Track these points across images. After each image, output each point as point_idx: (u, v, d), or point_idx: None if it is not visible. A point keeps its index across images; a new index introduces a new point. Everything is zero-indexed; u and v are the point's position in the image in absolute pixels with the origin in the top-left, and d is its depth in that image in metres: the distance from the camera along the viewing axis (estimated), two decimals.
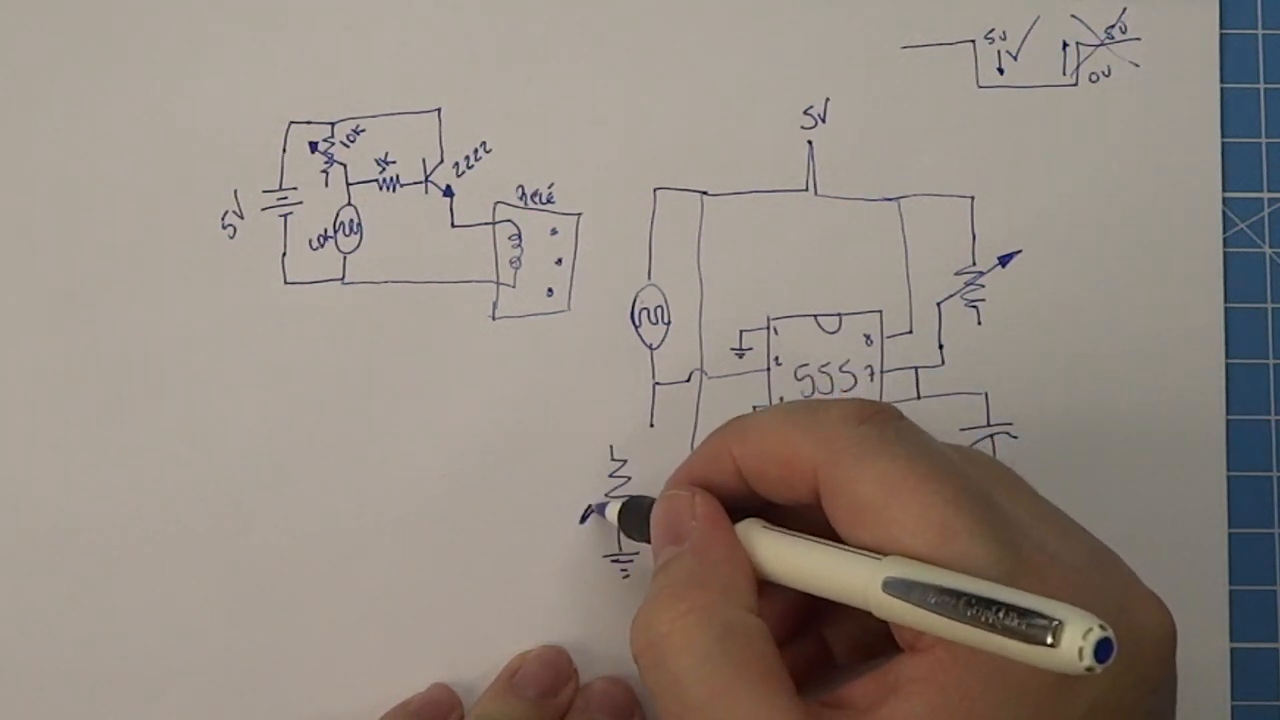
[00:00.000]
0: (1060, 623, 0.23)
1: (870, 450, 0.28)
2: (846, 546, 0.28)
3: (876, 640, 0.30)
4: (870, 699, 0.27)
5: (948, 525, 0.27)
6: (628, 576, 0.37)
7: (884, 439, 0.28)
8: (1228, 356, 0.39)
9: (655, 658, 0.28)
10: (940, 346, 0.39)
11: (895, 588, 0.26)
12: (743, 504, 0.32)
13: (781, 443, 0.30)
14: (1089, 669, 0.23)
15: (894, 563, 0.27)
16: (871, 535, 0.28)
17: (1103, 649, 0.23)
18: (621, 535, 0.37)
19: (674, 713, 0.28)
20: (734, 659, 0.28)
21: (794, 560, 0.29)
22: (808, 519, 0.30)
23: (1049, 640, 0.23)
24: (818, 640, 0.33)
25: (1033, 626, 0.23)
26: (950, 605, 0.25)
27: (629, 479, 0.37)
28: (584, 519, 0.37)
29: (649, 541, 0.33)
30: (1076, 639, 0.23)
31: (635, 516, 0.35)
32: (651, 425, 0.38)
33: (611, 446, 0.37)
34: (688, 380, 0.38)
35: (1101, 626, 0.23)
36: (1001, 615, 0.24)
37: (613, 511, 0.36)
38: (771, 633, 0.29)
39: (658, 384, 0.38)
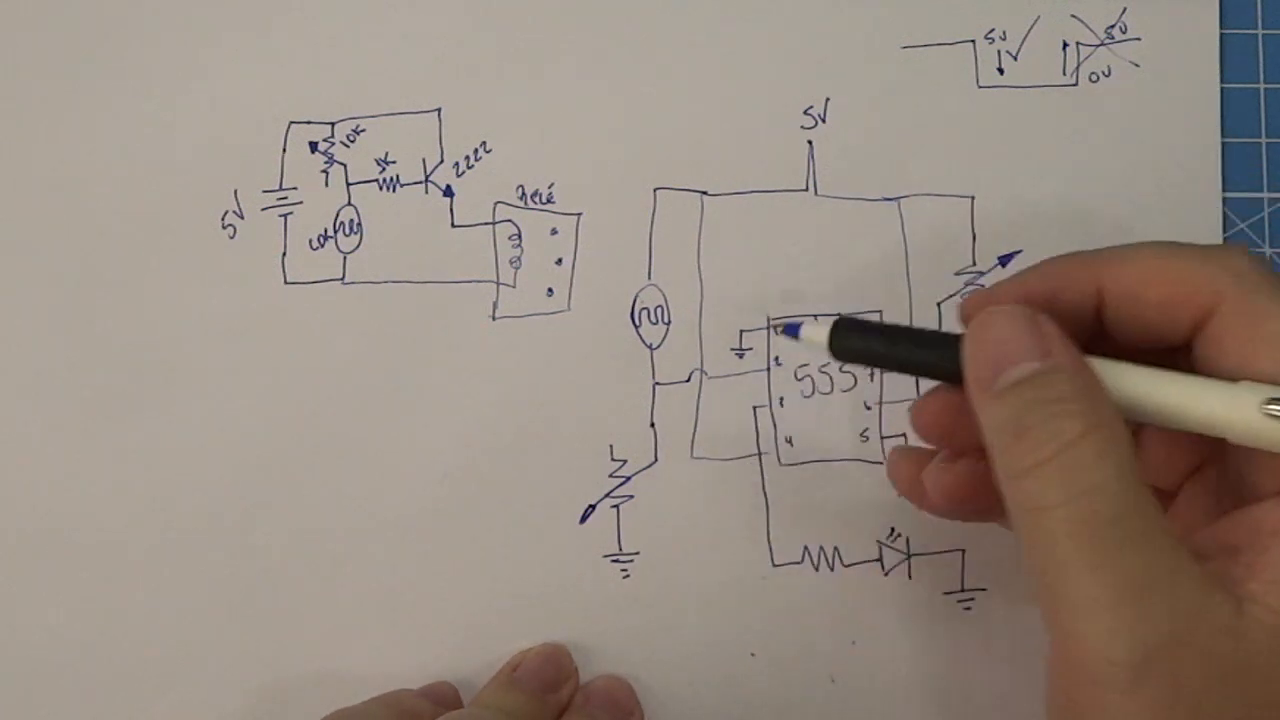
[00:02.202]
0: None
1: None
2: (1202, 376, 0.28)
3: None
4: (1246, 541, 0.27)
5: None
6: (628, 576, 0.37)
7: None
8: None
9: (1067, 463, 0.26)
10: None
11: None
12: None
13: (1169, 269, 0.28)
14: None
15: (1277, 388, 0.26)
16: (1272, 365, 0.27)
17: None
18: (622, 534, 0.37)
19: (1079, 519, 0.26)
20: (1139, 480, 0.26)
21: (1152, 385, 0.28)
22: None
23: None
24: None
25: None
26: None
27: (629, 479, 0.37)
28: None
29: (881, 367, 0.30)
30: None
31: (867, 337, 0.30)
32: (651, 425, 0.38)
33: (611, 446, 0.37)
34: (688, 380, 0.38)
35: None
36: None
37: (817, 332, 0.30)
38: None
39: (658, 384, 0.38)
